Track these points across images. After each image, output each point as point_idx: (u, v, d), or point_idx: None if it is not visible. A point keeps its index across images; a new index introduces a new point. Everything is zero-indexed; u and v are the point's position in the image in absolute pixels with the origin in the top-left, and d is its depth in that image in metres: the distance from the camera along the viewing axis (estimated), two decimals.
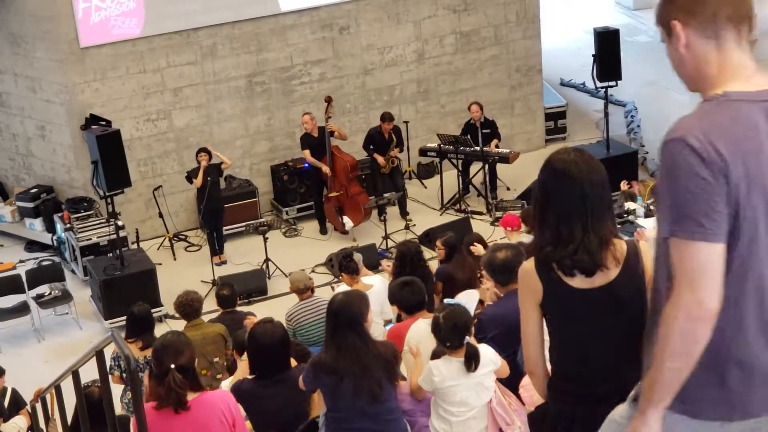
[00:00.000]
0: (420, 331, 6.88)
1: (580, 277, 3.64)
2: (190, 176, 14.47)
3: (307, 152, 14.91)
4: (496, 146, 15.68)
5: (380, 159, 15.27)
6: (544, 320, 3.84)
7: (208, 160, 14.23)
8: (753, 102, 2.88)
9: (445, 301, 6.61)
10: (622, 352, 3.65)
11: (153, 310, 12.87)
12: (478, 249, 9.75)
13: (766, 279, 2.96)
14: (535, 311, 3.78)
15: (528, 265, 3.76)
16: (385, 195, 15.31)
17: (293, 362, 6.87)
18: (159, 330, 10.91)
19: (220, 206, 14.57)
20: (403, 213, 15.53)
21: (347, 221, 14.97)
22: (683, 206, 2.84)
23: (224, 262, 14.53)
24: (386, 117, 15.32)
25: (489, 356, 6.12)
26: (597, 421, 3.48)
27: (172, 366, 5.40)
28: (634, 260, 3.70)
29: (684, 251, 2.85)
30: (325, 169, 14.81)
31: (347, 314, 5.85)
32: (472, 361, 5.98)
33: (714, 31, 2.93)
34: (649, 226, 7.67)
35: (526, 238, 9.48)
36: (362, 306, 5.94)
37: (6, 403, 9.33)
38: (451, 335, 6.03)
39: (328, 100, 14.85)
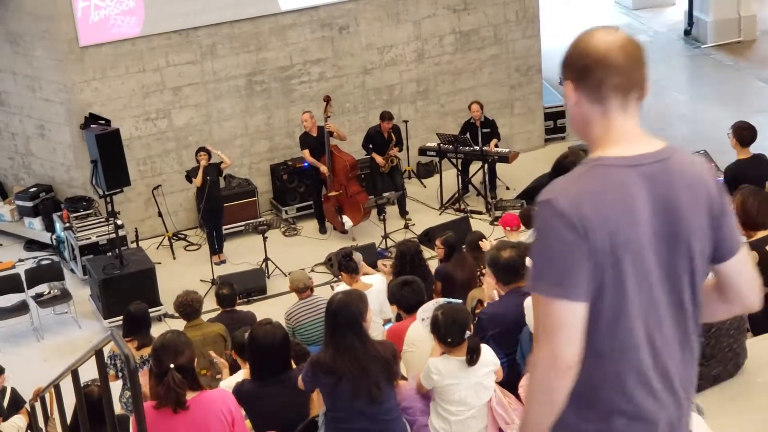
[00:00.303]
0: (419, 330, 6.88)
1: None
2: (190, 175, 14.47)
3: (306, 152, 14.92)
4: (496, 146, 15.68)
5: (379, 159, 15.27)
6: None
7: (208, 159, 14.23)
8: (628, 167, 2.98)
9: (440, 300, 6.62)
10: None
11: (152, 310, 12.90)
12: (485, 245, 9.74)
13: (639, 336, 3.03)
14: None
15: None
16: (385, 194, 15.31)
17: (293, 364, 6.87)
18: (158, 329, 10.91)
19: (219, 205, 14.58)
20: (403, 212, 15.53)
21: (347, 221, 14.97)
22: (547, 265, 2.95)
23: (224, 262, 14.54)
24: (385, 116, 15.32)
25: (489, 357, 6.12)
26: None
27: (172, 366, 5.40)
28: None
29: (545, 307, 2.95)
30: (323, 169, 14.81)
31: (346, 314, 5.85)
32: (473, 355, 5.98)
33: (600, 97, 3.01)
34: None
35: (525, 238, 9.47)
36: (361, 306, 5.94)
37: (5, 402, 9.33)
38: (451, 331, 6.03)
39: (327, 100, 14.85)
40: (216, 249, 14.56)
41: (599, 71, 2.99)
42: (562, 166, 3.80)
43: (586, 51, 3.02)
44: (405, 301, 7.73)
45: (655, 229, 2.99)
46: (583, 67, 3.02)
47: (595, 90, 3.01)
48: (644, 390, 3.07)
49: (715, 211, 3.07)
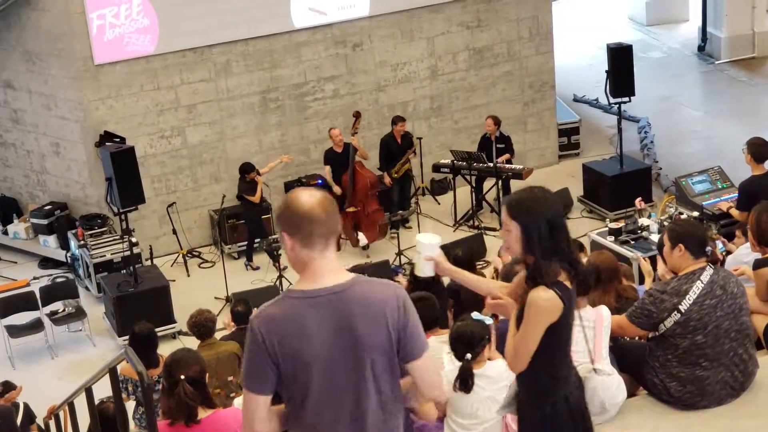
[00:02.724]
0: (433, 347, 6.86)
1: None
2: (243, 194, 14.59)
3: (327, 168, 15.02)
4: (508, 161, 15.66)
5: (387, 180, 15.37)
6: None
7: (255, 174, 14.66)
8: (304, 299, 3.98)
9: (473, 315, 6.58)
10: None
11: (166, 327, 12.99)
12: (496, 261, 9.69)
13: (337, 426, 4.06)
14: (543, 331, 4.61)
15: (550, 295, 4.52)
16: (399, 212, 15.33)
17: None
18: (173, 347, 10.93)
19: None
20: (404, 222, 15.54)
21: (362, 237, 14.99)
22: (245, 365, 4.05)
23: (257, 268, 14.88)
24: (396, 120, 15.44)
25: (503, 371, 6.09)
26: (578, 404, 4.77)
27: (182, 377, 5.42)
28: None
29: (245, 396, 4.08)
30: (336, 189, 14.88)
31: None
32: (458, 380, 5.97)
33: (311, 243, 3.97)
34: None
35: None
36: None
37: (19, 419, 9.35)
38: (455, 346, 6.07)
39: (357, 116, 14.92)
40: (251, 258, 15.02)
41: (307, 225, 3.94)
42: (553, 204, 4.66)
43: (296, 210, 3.95)
44: (420, 317, 7.70)
45: (332, 343, 3.98)
46: (295, 221, 3.95)
47: (307, 238, 3.96)
48: None
49: (395, 325, 4.05)
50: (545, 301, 4.53)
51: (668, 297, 5.93)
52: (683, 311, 5.89)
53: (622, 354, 6.29)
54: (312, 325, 3.98)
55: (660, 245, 6.70)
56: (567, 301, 4.54)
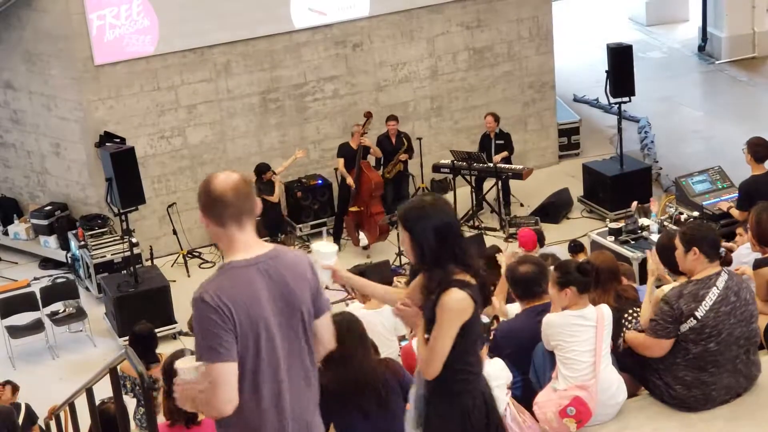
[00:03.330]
0: None
1: None
2: (262, 194, 14.56)
3: (341, 161, 15.02)
4: (506, 159, 15.65)
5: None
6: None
7: (272, 174, 14.69)
8: (249, 266, 4.24)
9: None
10: None
11: (167, 328, 13.01)
12: (501, 258, 9.67)
13: (282, 383, 4.27)
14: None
15: (462, 296, 4.66)
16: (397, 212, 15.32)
17: None
18: (173, 347, 10.93)
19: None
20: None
21: (362, 238, 15.00)
22: (204, 341, 4.14)
23: None
24: (388, 117, 15.51)
25: (500, 370, 6.10)
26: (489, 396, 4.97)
27: None
28: None
29: (210, 370, 4.12)
30: (349, 180, 14.89)
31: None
32: None
33: (222, 222, 4.26)
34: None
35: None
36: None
37: (20, 419, 9.35)
38: None
39: (368, 116, 14.92)
40: None
41: (219, 206, 4.23)
42: (447, 210, 4.84)
43: (209, 192, 4.24)
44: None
45: (274, 305, 4.25)
46: (208, 202, 4.25)
47: (218, 218, 4.25)
48: (278, 417, 4.29)
49: (312, 287, 4.42)
50: (457, 301, 4.66)
51: (685, 301, 5.86)
52: (700, 318, 5.83)
53: (623, 354, 6.28)
54: (261, 289, 4.24)
55: (660, 245, 6.68)
56: (477, 298, 4.71)
